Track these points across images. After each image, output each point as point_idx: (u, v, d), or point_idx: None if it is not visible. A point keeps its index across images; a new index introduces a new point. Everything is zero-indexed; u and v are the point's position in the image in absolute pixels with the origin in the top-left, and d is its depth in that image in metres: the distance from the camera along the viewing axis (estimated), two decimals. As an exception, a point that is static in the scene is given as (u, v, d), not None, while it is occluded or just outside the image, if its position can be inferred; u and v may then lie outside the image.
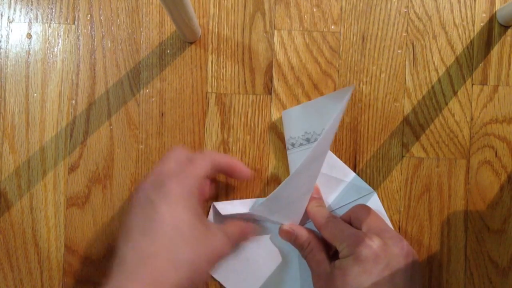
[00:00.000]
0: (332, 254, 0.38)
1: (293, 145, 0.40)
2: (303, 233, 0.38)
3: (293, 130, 0.40)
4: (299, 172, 0.36)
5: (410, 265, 0.35)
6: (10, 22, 0.43)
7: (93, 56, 0.43)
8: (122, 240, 0.33)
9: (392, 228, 0.38)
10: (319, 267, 0.36)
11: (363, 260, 0.34)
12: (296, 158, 0.40)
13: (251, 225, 0.39)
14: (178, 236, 0.31)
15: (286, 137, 0.41)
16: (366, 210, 0.38)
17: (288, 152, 0.41)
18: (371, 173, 0.42)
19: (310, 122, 0.40)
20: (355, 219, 0.38)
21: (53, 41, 0.43)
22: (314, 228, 0.39)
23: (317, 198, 0.40)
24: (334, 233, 0.36)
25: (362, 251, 0.34)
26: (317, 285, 0.36)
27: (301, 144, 0.40)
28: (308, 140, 0.40)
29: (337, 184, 0.41)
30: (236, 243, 0.37)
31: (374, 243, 0.34)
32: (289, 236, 0.39)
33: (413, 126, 0.42)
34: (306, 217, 0.40)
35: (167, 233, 0.31)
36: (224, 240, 0.35)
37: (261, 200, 0.40)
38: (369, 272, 0.33)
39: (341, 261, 0.35)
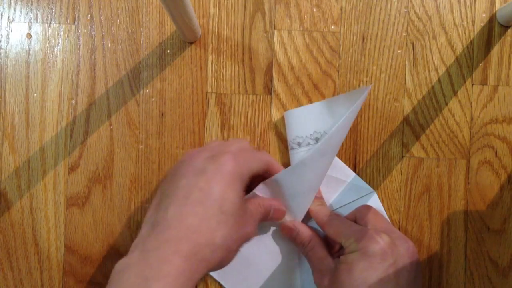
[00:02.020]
0: (334, 252, 0.38)
1: (299, 144, 0.40)
2: (305, 230, 0.38)
3: (300, 129, 0.40)
4: (304, 163, 0.37)
5: (414, 266, 0.35)
6: (10, 22, 0.43)
7: (93, 56, 0.43)
8: (164, 197, 0.32)
9: (397, 229, 0.38)
10: (322, 263, 0.36)
11: (370, 255, 0.34)
12: (301, 157, 0.40)
13: (274, 204, 0.38)
14: (222, 215, 0.31)
15: (291, 137, 0.41)
16: (371, 211, 0.38)
17: (292, 151, 0.41)
18: (371, 173, 0.42)
19: (320, 121, 0.40)
20: (360, 218, 0.38)
21: (53, 41, 0.43)
22: (316, 227, 0.39)
23: (318, 197, 0.40)
24: (340, 229, 0.36)
25: (370, 246, 0.34)
26: (319, 282, 0.36)
27: (308, 143, 0.40)
28: (317, 139, 0.40)
29: (337, 184, 0.41)
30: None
31: (382, 240, 0.34)
32: (290, 233, 0.39)
33: (413, 126, 0.42)
34: (307, 217, 0.40)
35: (212, 208, 0.30)
36: (255, 226, 0.34)
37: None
38: (375, 268, 0.33)
39: (347, 256, 0.35)
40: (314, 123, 0.40)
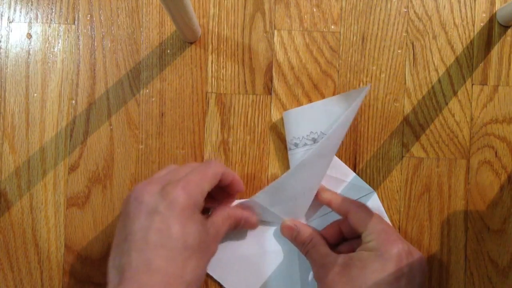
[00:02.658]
0: (337, 248, 0.38)
1: (296, 145, 0.40)
2: (305, 229, 0.38)
3: (297, 130, 0.40)
4: (303, 164, 0.37)
5: (423, 282, 0.35)
6: (10, 22, 0.43)
7: (93, 56, 0.43)
8: (121, 240, 0.32)
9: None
10: (325, 259, 0.36)
11: (387, 258, 0.34)
12: (300, 158, 0.40)
13: (237, 214, 0.38)
14: (186, 251, 0.31)
15: (289, 137, 0.41)
16: (376, 217, 0.37)
17: (290, 152, 0.41)
18: (371, 173, 0.42)
19: (317, 122, 0.40)
20: (358, 221, 0.37)
21: (53, 41, 0.43)
22: (315, 227, 0.39)
23: (324, 189, 0.40)
24: (365, 222, 0.36)
25: (389, 250, 0.34)
26: (322, 276, 0.36)
27: (305, 144, 0.40)
28: (314, 140, 0.40)
29: (337, 184, 0.41)
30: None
31: (401, 246, 0.34)
32: (291, 232, 0.39)
33: (413, 126, 0.42)
34: (308, 216, 0.40)
35: (175, 248, 0.30)
36: (219, 241, 0.35)
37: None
38: (388, 273, 0.33)
39: (363, 253, 0.35)
40: (310, 123, 0.40)
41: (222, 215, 0.36)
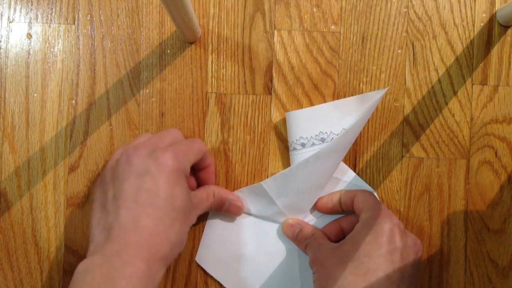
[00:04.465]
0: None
1: (303, 145, 0.40)
2: (307, 226, 0.39)
3: (305, 130, 0.40)
4: (317, 157, 0.37)
5: (418, 262, 0.35)
6: (10, 22, 0.43)
7: (93, 56, 0.43)
8: (109, 199, 0.32)
9: None
10: (324, 246, 0.36)
11: (380, 232, 0.34)
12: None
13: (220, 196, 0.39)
14: (173, 212, 0.32)
15: (294, 137, 0.40)
16: (378, 201, 0.38)
17: (294, 152, 0.40)
18: (371, 173, 0.42)
19: (327, 122, 0.40)
20: (362, 203, 0.37)
21: (53, 41, 0.43)
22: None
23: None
24: (367, 205, 0.36)
25: (382, 223, 0.34)
26: (316, 259, 0.36)
27: (313, 144, 0.40)
28: (323, 140, 0.40)
29: (337, 184, 0.41)
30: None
31: (396, 221, 0.35)
32: (293, 229, 0.39)
33: (413, 126, 0.42)
34: (308, 215, 0.40)
35: (163, 208, 0.31)
36: (197, 214, 0.36)
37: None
38: (380, 244, 0.33)
39: (356, 229, 0.35)
40: (320, 124, 0.40)
41: (207, 191, 0.37)
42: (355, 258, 0.33)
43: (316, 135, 0.40)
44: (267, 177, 0.42)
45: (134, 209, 0.31)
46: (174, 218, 0.32)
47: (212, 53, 0.42)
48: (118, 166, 0.34)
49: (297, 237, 0.39)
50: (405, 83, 0.42)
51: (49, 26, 0.43)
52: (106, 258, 0.29)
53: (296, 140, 0.40)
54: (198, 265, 0.41)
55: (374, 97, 0.39)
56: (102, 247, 0.30)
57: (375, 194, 0.41)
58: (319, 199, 0.40)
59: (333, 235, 0.39)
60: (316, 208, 0.40)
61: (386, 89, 0.39)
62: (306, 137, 0.40)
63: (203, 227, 0.41)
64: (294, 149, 0.40)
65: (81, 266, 0.30)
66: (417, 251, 0.35)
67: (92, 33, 0.43)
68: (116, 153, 0.35)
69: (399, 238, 0.34)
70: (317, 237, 0.38)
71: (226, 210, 0.39)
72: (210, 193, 0.38)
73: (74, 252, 0.42)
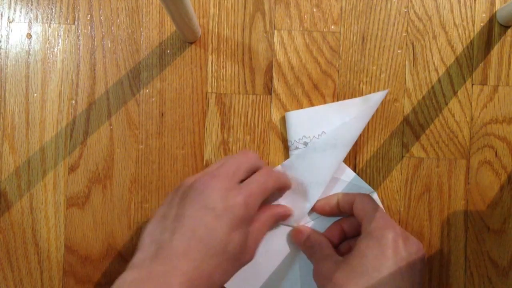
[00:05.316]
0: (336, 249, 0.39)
1: (305, 144, 0.41)
2: (314, 234, 0.39)
3: (308, 129, 0.41)
4: (314, 149, 0.38)
5: (423, 266, 0.36)
6: (10, 22, 0.43)
7: (93, 56, 0.43)
8: (169, 217, 0.33)
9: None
10: (329, 258, 0.36)
11: (384, 244, 0.34)
12: (308, 156, 0.40)
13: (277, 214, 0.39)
14: (224, 254, 0.32)
15: (297, 136, 0.41)
16: (378, 208, 0.38)
17: (295, 151, 0.41)
18: (371, 173, 0.42)
19: (330, 122, 0.41)
20: (362, 209, 0.37)
21: (53, 41, 0.43)
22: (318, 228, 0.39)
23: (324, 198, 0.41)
24: (368, 210, 0.36)
25: (385, 234, 0.34)
26: (321, 271, 0.36)
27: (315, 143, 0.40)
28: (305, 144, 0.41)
29: (337, 184, 0.41)
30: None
31: (398, 230, 0.35)
32: (300, 236, 0.39)
33: (413, 126, 0.42)
34: (309, 215, 0.40)
35: (215, 248, 0.32)
36: (255, 250, 0.35)
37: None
38: (387, 257, 0.34)
39: (361, 243, 0.35)
40: (322, 124, 0.41)
41: (261, 221, 0.37)
42: (364, 273, 0.34)
43: (318, 135, 0.40)
44: (267, 177, 0.42)
45: (189, 238, 0.31)
46: (223, 261, 0.32)
47: (212, 53, 0.42)
48: (192, 189, 0.34)
49: (304, 243, 0.39)
50: (405, 83, 0.42)
51: (49, 26, 0.43)
52: (152, 276, 0.30)
53: (299, 139, 0.40)
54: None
55: (375, 98, 0.40)
56: (150, 264, 0.31)
57: (375, 194, 0.41)
58: (317, 201, 0.40)
59: (336, 238, 0.39)
60: (314, 210, 0.40)
61: (386, 91, 0.39)
62: (309, 136, 0.40)
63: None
64: (296, 148, 0.40)
65: (128, 277, 0.30)
66: (421, 257, 0.35)
67: (92, 33, 0.43)
68: (196, 180, 0.35)
69: (403, 246, 0.35)
70: (323, 247, 0.38)
71: (279, 222, 0.40)
72: (264, 220, 0.37)
73: (74, 252, 0.42)
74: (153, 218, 0.34)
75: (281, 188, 0.38)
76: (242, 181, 0.35)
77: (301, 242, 0.39)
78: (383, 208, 0.38)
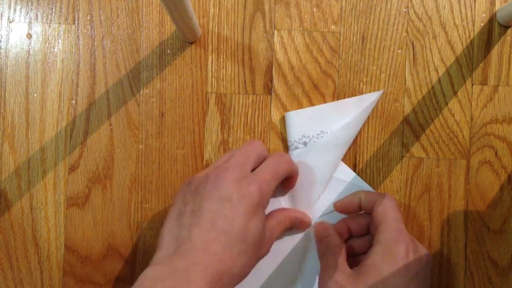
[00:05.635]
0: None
1: (305, 144, 0.41)
2: (336, 238, 0.38)
3: (307, 129, 0.41)
4: (317, 149, 0.39)
5: (430, 275, 0.36)
6: (10, 22, 0.43)
7: (93, 56, 0.43)
8: (186, 212, 0.33)
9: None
10: (342, 267, 0.36)
11: (397, 258, 0.34)
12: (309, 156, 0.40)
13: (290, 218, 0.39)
14: (243, 244, 0.32)
15: (297, 136, 0.41)
16: (395, 214, 0.37)
17: (295, 151, 0.41)
18: (371, 173, 0.42)
19: (328, 122, 0.41)
20: (380, 218, 0.37)
21: (53, 41, 0.43)
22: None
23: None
24: (385, 220, 0.36)
25: (398, 248, 0.34)
26: (333, 280, 0.36)
27: (315, 143, 0.40)
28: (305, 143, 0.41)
29: (337, 184, 0.41)
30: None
31: (408, 242, 0.35)
32: (323, 232, 0.39)
33: (413, 126, 0.42)
34: (312, 213, 0.40)
35: (235, 238, 0.32)
36: (271, 245, 0.36)
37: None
38: (401, 274, 0.34)
39: (375, 258, 0.35)
40: (321, 123, 0.41)
41: (278, 219, 0.37)
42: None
43: (317, 134, 0.40)
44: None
45: (208, 231, 0.32)
46: (242, 251, 0.32)
47: (212, 53, 0.42)
48: (205, 183, 0.34)
49: (322, 240, 0.38)
50: (405, 83, 0.42)
51: (49, 26, 0.43)
52: (174, 271, 0.30)
53: (299, 139, 0.41)
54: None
55: (371, 98, 0.41)
56: (171, 260, 0.31)
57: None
58: (338, 201, 0.40)
59: (341, 236, 0.39)
60: (336, 209, 0.40)
61: (381, 91, 0.40)
62: (308, 136, 0.40)
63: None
64: (296, 148, 0.40)
65: (150, 273, 0.30)
66: (430, 266, 0.36)
67: (92, 33, 0.43)
68: (209, 173, 0.35)
69: (413, 259, 0.35)
70: (340, 253, 0.37)
71: (296, 228, 0.40)
72: (281, 219, 0.38)
73: (74, 252, 0.42)
74: (169, 217, 0.34)
75: (292, 173, 0.38)
76: (253, 170, 0.35)
77: (321, 237, 0.39)
78: (401, 215, 0.38)
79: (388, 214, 0.36)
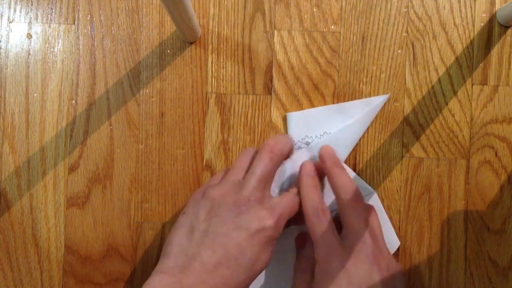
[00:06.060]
0: None
1: (307, 144, 0.41)
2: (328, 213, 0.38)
3: (310, 129, 0.41)
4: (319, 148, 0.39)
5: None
6: (10, 22, 0.43)
7: (93, 56, 0.43)
8: (199, 228, 0.33)
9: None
10: (333, 236, 0.36)
11: (358, 256, 0.34)
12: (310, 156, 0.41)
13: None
14: (250, 272, 0.33)
15: (299, 137, 0.41)
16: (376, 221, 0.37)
17: (298, 151, 0.41)
18: (371, 173, 0.42)
19: (331, 123, 0.41)
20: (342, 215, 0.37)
21: (53, 41, 0.43)
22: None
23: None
24: (351, 216, 0.36)
25: (357, 244, 0.35)
26: (323, 251, 0.36)
27: (317, 144, 0.40)
28: (307, 143, 0.41)
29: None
30: None
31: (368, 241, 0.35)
32: (318, 209, 0.37)
33: (413, 126, 0.42)
34: None
35: (244, 266, 0.32)
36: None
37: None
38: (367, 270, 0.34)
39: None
40: (324, 124, 0.41)
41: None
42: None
43: (320, 135, 0.40)
44: (267, 177, 0.42)
45: (220, 255, 0.32)
46: (249, 277, 0.33)
47: (212, 53, 0.42)
48: (224, 204, 0.34)
49: (317, 215, 0.37)
50: (405, 83, 0.42)
51: (49, 26, 0.43)
52: (181, 285, 0.31)
53: (302, 139, 0.41)
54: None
55: (376, 102, 0.41)
56: (180, 273, 0.31)
57: (375, 194, 0.41)
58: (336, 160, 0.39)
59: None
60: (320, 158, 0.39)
61: (387, 95, 0.40)
62: (311, 136, 0.40)
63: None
64: (299, 147, 0.41)
65: (159, 282, 0.31)
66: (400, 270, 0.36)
67: (92, 33, 0.43)
68: (223, 183, 0.35)
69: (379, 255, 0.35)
70: (331, 236, 0.36)
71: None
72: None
73: (74, 252, 0.42)
74: (180, 226, 0.35)
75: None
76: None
77: (314, 212, 0.37)
78: (380, 214, 0.37)
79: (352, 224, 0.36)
